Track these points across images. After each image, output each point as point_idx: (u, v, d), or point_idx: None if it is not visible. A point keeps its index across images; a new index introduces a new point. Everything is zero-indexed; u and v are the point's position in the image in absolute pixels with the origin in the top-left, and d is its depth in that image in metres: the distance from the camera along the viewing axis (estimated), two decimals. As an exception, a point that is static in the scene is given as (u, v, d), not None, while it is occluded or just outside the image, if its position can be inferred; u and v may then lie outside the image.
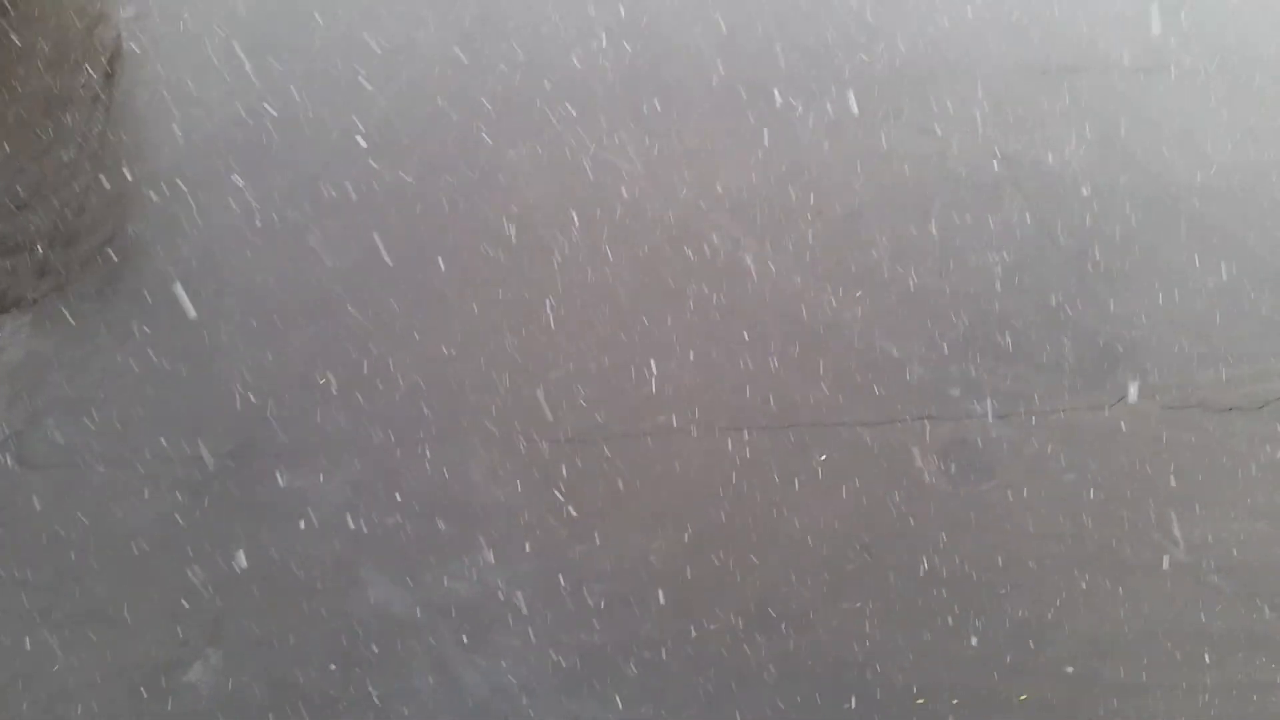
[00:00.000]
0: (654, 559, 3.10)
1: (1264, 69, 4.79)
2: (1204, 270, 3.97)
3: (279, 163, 4.16)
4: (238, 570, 3.05)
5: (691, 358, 3.59)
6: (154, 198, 4.00)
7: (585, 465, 3.31)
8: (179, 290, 3.67)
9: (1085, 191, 4.22)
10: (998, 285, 3.86)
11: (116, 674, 2.90)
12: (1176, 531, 3.19)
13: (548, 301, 3.73)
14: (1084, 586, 3.08)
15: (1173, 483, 3.32)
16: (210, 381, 3.49)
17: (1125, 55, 4.79)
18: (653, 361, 3.57)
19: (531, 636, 2.95)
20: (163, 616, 2.99)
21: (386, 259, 3.84)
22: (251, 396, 3.44)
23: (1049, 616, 3.02)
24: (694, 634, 2.95)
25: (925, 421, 3.45)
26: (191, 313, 3.63)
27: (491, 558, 3.09)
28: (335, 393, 3.46)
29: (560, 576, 3.05)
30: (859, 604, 3.02)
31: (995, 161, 4.28)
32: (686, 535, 3.16)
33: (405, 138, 4.29)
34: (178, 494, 3.22)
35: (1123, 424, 3.46)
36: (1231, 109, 4.66)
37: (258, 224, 3.93)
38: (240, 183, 4.05)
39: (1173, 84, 4.71)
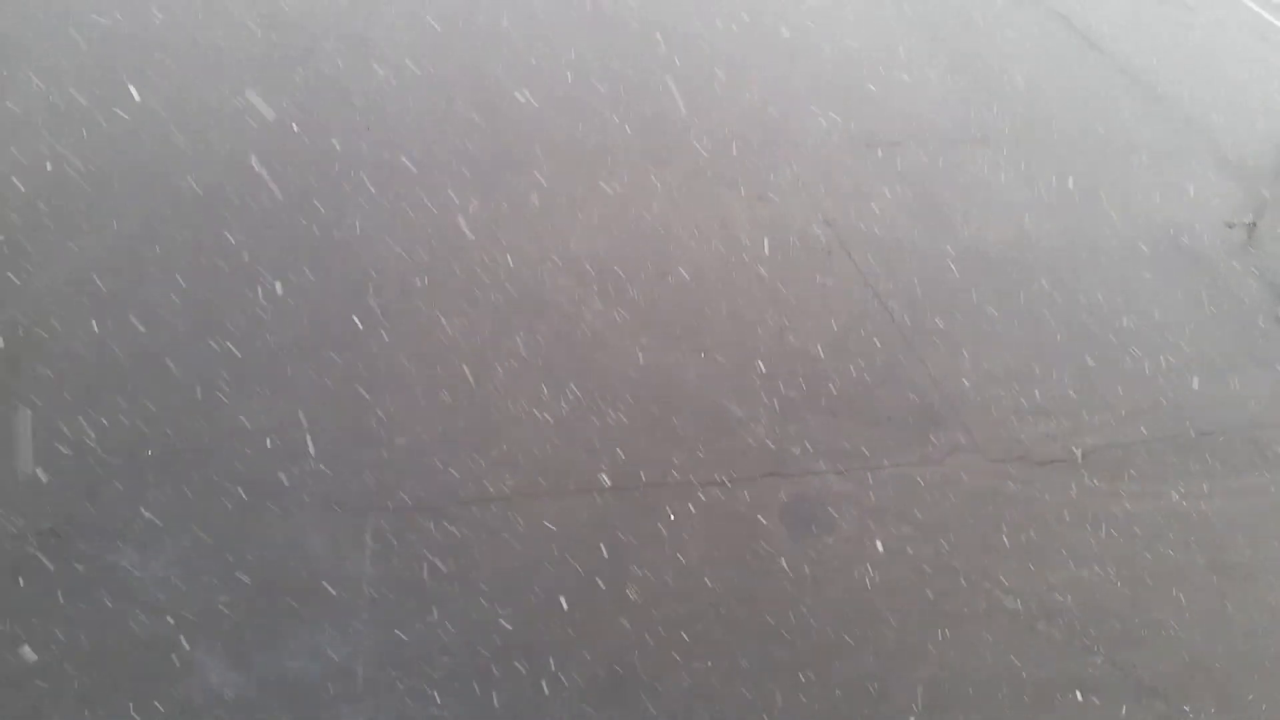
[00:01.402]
0: (505, 623, 3.05)
1: (1062, 138, 5.19)
2: (1022, 327, 4.22)
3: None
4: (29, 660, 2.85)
5: (536, 419, 3.59)
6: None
7: (431, 533, 3.24)
8: None
9: (909, 254, 4.45)
10: (828, 346, 4.01)
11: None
12: (1005, 580, 3.34)
13: (393, 360, 3.68)
14: (922, 637, 3.18)
15: (1001, 533, 3.48)
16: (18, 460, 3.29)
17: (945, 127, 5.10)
18: (499, 425, 3.56)
19: (373, 712, 2.85)
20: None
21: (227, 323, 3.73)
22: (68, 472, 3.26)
23: (890, 667, 3.10)
24: (545, 695, 2.91)
25: (769, 479, 3.53)
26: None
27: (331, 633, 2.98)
28: (159, 467, 3.30)
29: (400, 651, 2.97)
30: (709, 663, 3.04)
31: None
32: (533, 601, 3.12)
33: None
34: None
35: (951, 477, 3.62)
36: (1038, 176, 5.02)
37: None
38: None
39: (987, 153, 5.04)
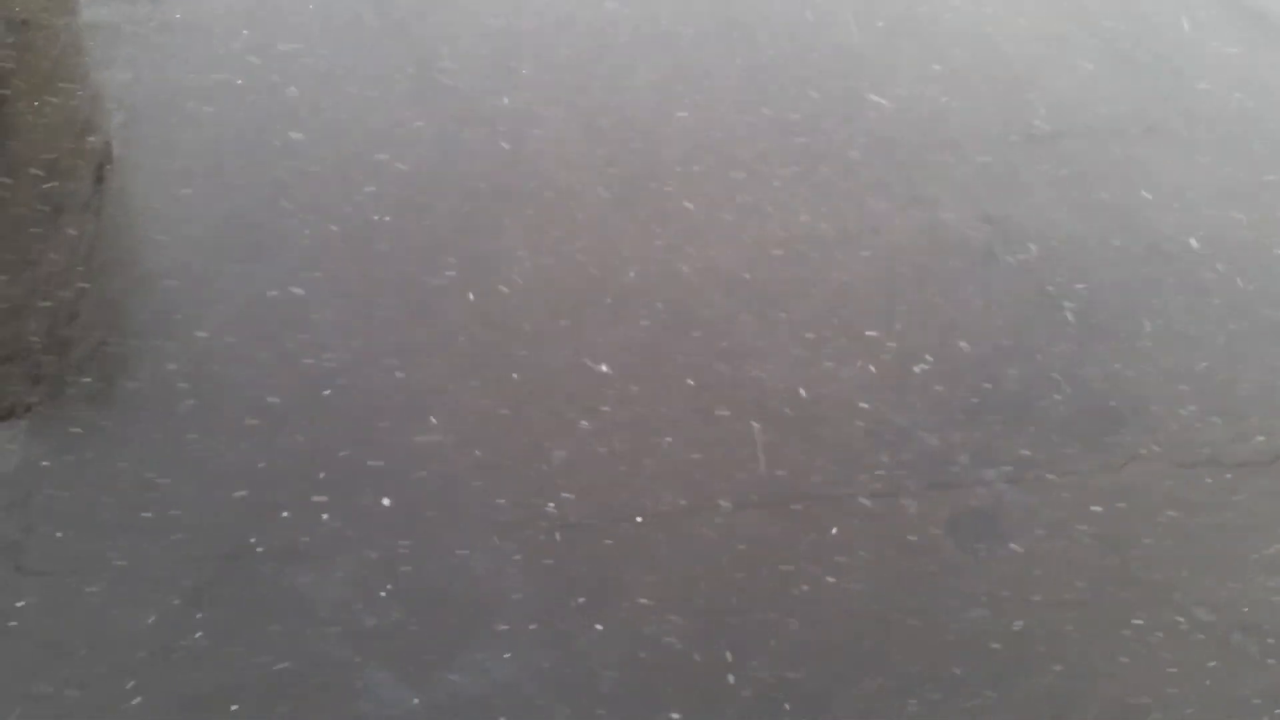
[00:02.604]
0: (665, 641, 3.03)
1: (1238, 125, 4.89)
2: (1205, 325, 3.98)
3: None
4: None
5: (694, 433, 3.56)
6: (145, 302, 3.99)
7: (588, 549, 3.25)
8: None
9: (1074, 249, 4.25)
10: (995, 350, 3.85)
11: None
12: (1196, 592, 3.14)
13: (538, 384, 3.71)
14: (1105, 656, 3.02)
15: (1190, 542, 3.28)
16: (204, 485, 3.44)
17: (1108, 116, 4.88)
18: (652, 441, 3.54)
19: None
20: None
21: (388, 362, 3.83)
22: (247, 497, 3.39)
23: (1075, 685, 2.95)
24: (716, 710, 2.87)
25: (934, 490, 3.41)
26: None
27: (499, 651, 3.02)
28: (335, 492, 3.41)
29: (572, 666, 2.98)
30: (879, 681, 2.95)
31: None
32: (696, 615, 3.08)
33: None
34: (175, 600, 3.15)
35: (1134, 484, 3.43)
36: (1214, 166, 4.74)
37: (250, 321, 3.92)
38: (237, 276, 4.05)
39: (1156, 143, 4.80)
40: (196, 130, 4.70)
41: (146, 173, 4.54)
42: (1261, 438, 3.59)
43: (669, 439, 3.54)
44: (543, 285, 4.06)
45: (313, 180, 4.44)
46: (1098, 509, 3.36)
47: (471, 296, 3.99)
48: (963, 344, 3.89)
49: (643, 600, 3.12)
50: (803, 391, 3.69)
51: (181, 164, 4.56)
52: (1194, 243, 4.34)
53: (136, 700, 2.91)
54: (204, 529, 3.31)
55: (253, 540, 3.27)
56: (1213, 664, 3.00)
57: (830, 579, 3.17)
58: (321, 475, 3.43)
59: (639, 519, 3.32)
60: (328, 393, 3.65)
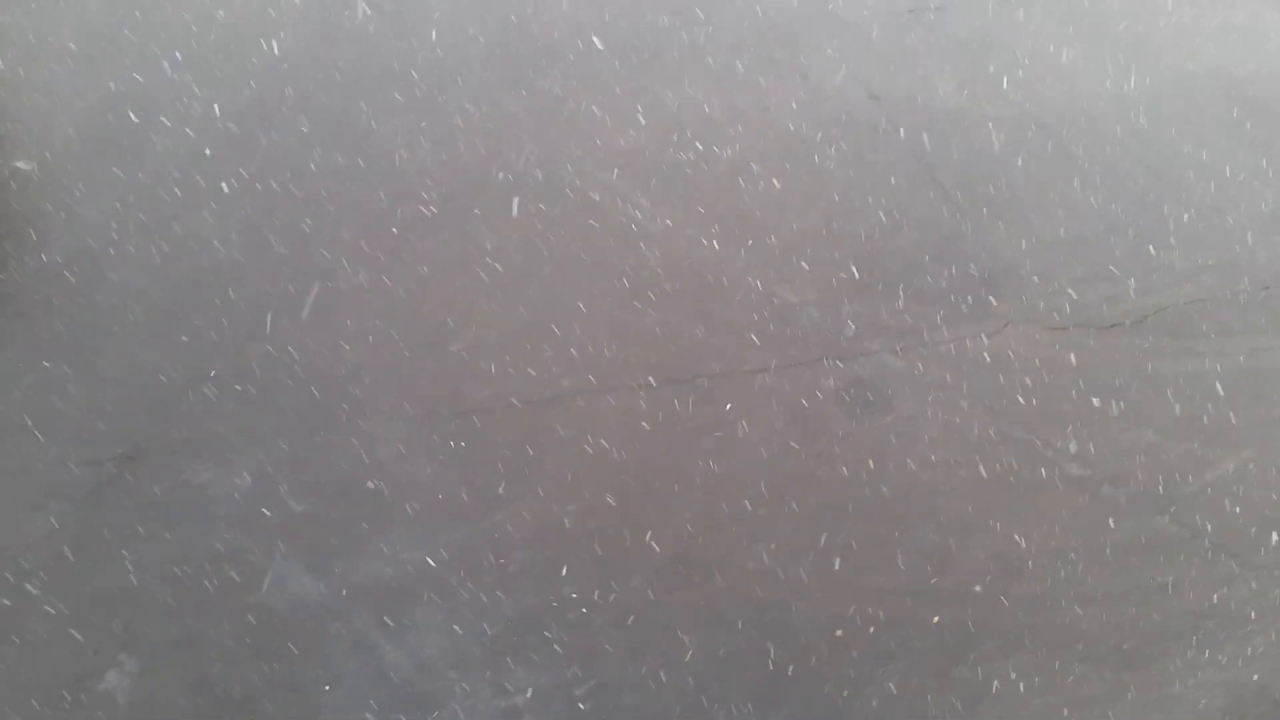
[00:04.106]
0: (568, 522, 3.11)
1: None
2: (1078, 192, 4.11)
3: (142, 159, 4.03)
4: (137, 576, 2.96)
5: (589, 316, 3.59)
6: (20, 196, 3.84)
7: (494, 434, 3.29)
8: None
9: (958, 123, 4.33)
10: (878, 225, 3.94)
11: (25, 690, 2.81)
12: (1069, 448, 3.32)
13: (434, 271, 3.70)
14: (985, 509, 3.19)
15: (1064, 401, 3.44)
16: (96, 383, 3.37)
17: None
18: (553, 326, 3.57)
19: (455, 610, 2.94)
20: (70, 628, 2.89)
21: (278, 248, 3.75)
22: (140, 395, 3.34)
23: (954, 541, 3.11)
24: (612, 593, 2.97)
25: (823, 362, 3.51)
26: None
27: (408, 536, 3.07)
28: (228, 385, 3.38)
29: (479, 549, 3.05)
30: (771, 545, 3.07)
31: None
32: (596, 495, 3.17)
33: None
34: (69, 503, 3.11)
35: (1011, 347, 3.57)
36: (1088, 34, 4.83)
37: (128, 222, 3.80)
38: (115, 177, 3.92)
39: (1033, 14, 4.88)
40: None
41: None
42: (1131, 299, 3.76)
43: (572, 324, 3.58)
44: (435, 167, 4.04)
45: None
46: (975, 373, 3.51)
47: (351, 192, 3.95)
48: (848, 219, 3.97)
49: (539, 479, 3.19)
50: (696, 268, 3.75)
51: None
52: (1077, 114, 4.45)
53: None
54: (96, 429, 3.27)
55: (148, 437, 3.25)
56: (1085, 514, 3.19)
57: (725, 450, 3.27)
58: (212, 373, 3.40)
59: (538, 401, 3.37)
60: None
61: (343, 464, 3.21)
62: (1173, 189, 4.18)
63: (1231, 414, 3.44)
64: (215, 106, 4.24)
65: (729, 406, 3.38)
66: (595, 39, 4.66)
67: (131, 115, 4.19)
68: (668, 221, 3.90)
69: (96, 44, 4.51)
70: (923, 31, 4.84)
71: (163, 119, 4.17)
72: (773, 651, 2.88)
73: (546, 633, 2.89)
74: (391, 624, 2.90)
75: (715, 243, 3.84)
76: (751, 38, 4.74)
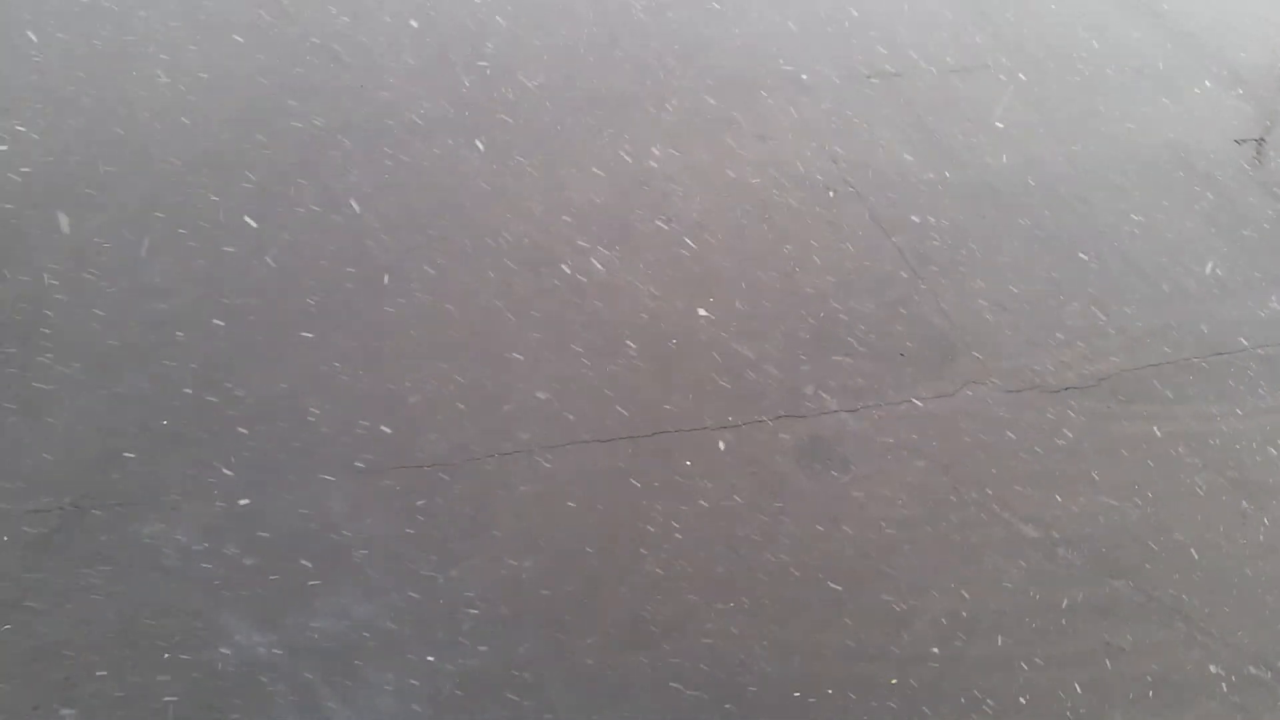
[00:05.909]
0: (525, 578, 3.06)
1: (1059, 61, 5.12)
2: (1031, 255, 4.19)
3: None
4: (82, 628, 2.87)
5: (548, 372, 3.58)
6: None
7: (451, 489, 3.25)
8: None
9: (913, 187, 4.41)
10: (836, 285, 3.98)
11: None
12: (1024, 509, 3.34)
13: (395, 325, 3.67)
14: (942, 570, 3.19)
15: (1019, 462, 3.47)
16: (45, 431, 3.30)
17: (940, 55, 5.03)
18: (507, 381, 3.54)
19: (405, 669, 2.87)
20: (11, 680, 2.79)
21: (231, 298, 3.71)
22: (91, 444, 3.27)
23: (911, 601, 3.11)
24: (572, 651, 2.93)
25: (782, 421, 3.52)
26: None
27: (359, 592, 3.00)
28: (180, 433, 3.31)
29: (432, 606, 2.99)
30: (729, 604, 3.05)
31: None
32: (554, 552, 3.13)
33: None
34: (20, 551, 3.02)
35: (967, 409, 3.61)
36: (1040, 100, 4.96)
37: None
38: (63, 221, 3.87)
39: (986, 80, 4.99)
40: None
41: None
42: (1084, 364, 3.82)
43: (531, 380, 3.56)
44: (392, 218, 4.03)
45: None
46: (932, 434, 3.53)
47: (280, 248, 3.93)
48: (806, 279, 4.00)
49: (497, 534, 3.14)
50: (655, 326, 3.76)
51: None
52: (1028, 180, 4.55)
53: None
54: (45, 477, 3.19)
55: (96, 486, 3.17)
56: (1041, 575, 3.20)
57: (684, 508, 3.25)
58: (165, 423, 3.34)
59: (498, 456, 3.34)
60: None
61: (294, 518, 3.15)
62: (1120, 254, 4.27)
63: (1183, 479, 3.49)
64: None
65: (688, 463, 3.37)
66: (549, 100, 4.69)
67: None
68: (627, 278, 3.91)
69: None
70: (880, 96, 4.94)
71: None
72: (731, 712, 2.84)
73: (500, 693, 2.84)
74: (341, 682, 2.83)
75: (675, 301, 3.85)
76: (712, 98, 4.80)
